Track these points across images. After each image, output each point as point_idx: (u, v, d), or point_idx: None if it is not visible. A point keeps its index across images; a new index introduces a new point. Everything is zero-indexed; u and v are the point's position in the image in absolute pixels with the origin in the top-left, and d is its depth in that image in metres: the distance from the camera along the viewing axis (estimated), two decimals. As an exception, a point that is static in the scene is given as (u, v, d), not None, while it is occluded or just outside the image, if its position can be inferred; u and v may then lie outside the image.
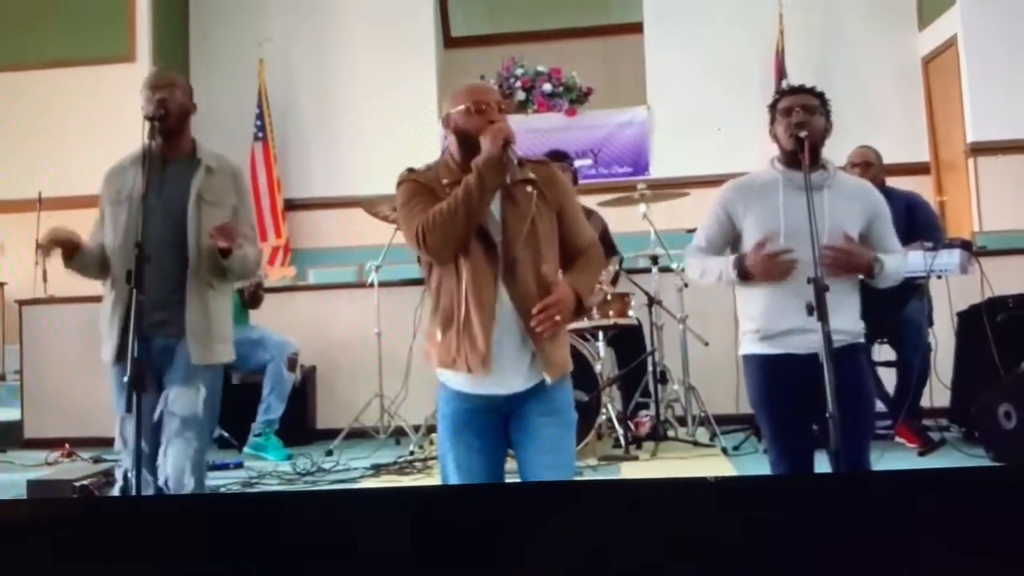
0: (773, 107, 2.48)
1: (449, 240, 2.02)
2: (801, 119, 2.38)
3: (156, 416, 2.54)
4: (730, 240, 2.50)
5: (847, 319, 2.36)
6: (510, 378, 2.07)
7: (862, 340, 2.46)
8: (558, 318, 2.01)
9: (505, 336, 2.06)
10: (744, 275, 2.37)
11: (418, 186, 2.11)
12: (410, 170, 2.16)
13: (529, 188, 2.09)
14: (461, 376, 2.08)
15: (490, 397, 2.09)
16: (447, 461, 2.14)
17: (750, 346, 2.46)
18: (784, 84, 6.69)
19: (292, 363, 4.82)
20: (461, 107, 2.09)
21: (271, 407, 4.72)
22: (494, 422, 2.11)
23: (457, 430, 2.11)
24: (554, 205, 2.12)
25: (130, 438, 2.54)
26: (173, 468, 2.51)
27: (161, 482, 2.52)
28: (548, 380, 2.07)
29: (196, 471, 2.56)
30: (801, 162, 2.34)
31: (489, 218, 2.07)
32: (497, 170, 2.00)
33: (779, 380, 2.39)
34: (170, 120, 2.58)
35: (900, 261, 2.47)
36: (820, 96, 2.45)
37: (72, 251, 2.58)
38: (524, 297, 2.05)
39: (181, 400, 2.55)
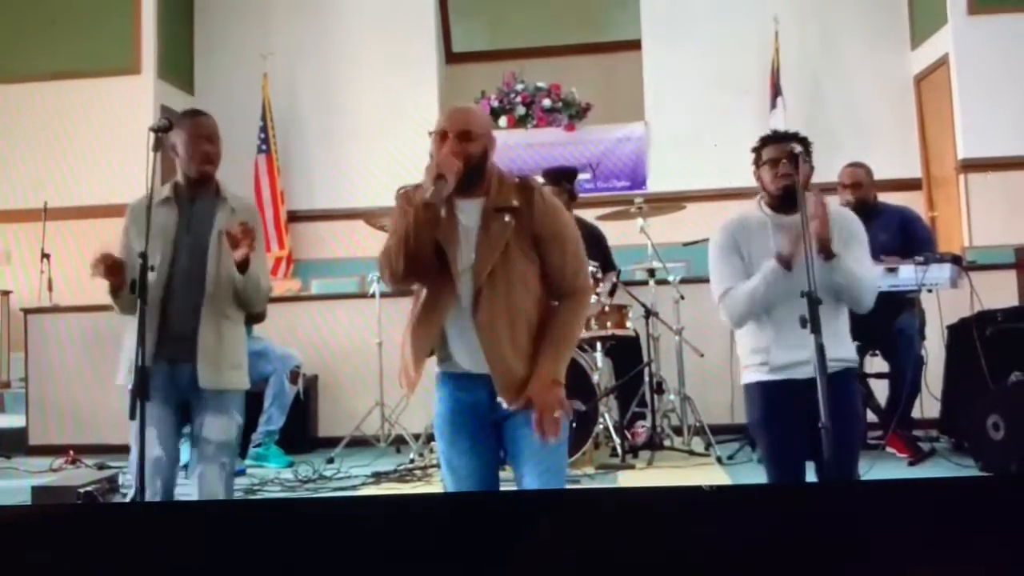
0: (758, 152, 2.57)
1: (395, 273, 2.02)
2: (787, 170, 2.47)
3: (184, 439, 2.62)
4: (748, 274, 2.52)
5: (839, 346, 2.46)
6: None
7: (852, 365, 2.57)
8: (557, 415, 1.98)
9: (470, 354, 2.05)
10: (785, 262, 2.42)
11: (399, 210, 2.06)
12: (401, 188, 2.13)
13: (507, 217, 2.03)
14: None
15: (478, 381, 2.07)
16: (442, 465, 2.19)
17: (754, 375, 2.55)
18: (774, 106, 6.77)
19: (294, 376, 4.84)
20: (432, 131, 2.09)
21: (272, 418, 4.75)
22: (486, 427, 2.12)
23: (450, 431, 2.14)
24: (532, 231, 2.05)
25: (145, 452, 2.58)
26: (209, 493, 2.56)
27: None
28: (504, 405, 2.03)
29: (228, 495, 2.64)
30: (786, 206, 2.47)
31: (462, 245, 2.04)
32: (427, 207, 1.96)
33: (780, 401, 2.48)
34: (212, 170, 2.68)
35: (870, 274, 2.55)
36: (803, 141, 2.53)
37: (121, 283, 2.53)
38: (487, 326, 2.01)
39: (216, 427, 2.60)
